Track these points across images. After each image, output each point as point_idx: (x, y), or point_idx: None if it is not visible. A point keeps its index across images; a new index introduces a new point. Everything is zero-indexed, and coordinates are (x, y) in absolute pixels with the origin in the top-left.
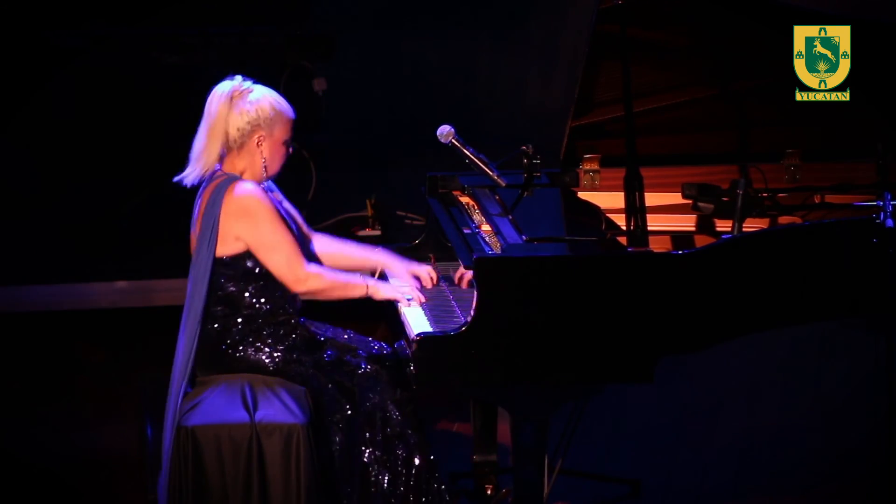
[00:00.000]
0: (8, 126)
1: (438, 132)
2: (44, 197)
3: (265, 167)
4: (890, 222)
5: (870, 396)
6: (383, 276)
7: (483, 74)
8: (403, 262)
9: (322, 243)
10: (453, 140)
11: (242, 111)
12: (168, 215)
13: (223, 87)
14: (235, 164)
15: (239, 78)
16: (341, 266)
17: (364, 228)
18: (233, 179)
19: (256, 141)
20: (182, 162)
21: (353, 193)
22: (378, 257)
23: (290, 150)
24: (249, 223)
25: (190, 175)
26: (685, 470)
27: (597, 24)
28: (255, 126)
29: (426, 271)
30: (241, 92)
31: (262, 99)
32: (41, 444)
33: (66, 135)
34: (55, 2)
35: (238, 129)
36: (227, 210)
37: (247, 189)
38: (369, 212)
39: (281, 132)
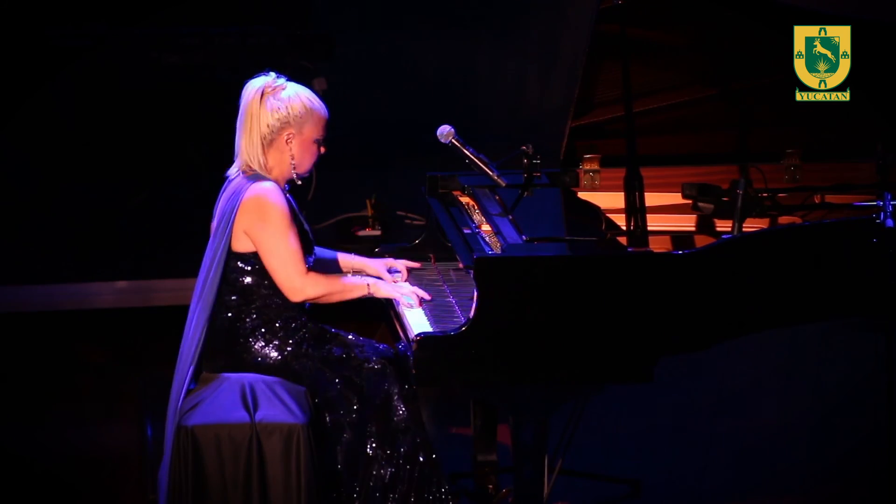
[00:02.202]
0: (8, 126)
1: (438, 132)
2: (44, 197)
3: (294, 165)
4: (890, 222)
5: (870, 396)
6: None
7: (483, 74)
8: (376, 261)
9: None
10: (453, 140)
11: (273, 108)
12: (168, 215)
13: (255, 83)
14: (268, 160)
15: (273, 75)
16: (322, 268)
17: (364, 228)
18: (256, 178)
19: (286, 138)
20: (182, 162)
21: (353, 193)
22: (354, 261)
23: (322, 149)
24: (258, 223)
25: (234, 171)
26: (685, 470)
27: (597, 24)
28: (284, 123)
29: (401, 263)
30: (274, 88)
31: (293, 96)
32: (41, 444)
33: (66, 134)
34: (56, 2)
35: (268, 126)
36: (244, 206)
37: (264, 189)
38: (369, 212)
39: (311, 130)
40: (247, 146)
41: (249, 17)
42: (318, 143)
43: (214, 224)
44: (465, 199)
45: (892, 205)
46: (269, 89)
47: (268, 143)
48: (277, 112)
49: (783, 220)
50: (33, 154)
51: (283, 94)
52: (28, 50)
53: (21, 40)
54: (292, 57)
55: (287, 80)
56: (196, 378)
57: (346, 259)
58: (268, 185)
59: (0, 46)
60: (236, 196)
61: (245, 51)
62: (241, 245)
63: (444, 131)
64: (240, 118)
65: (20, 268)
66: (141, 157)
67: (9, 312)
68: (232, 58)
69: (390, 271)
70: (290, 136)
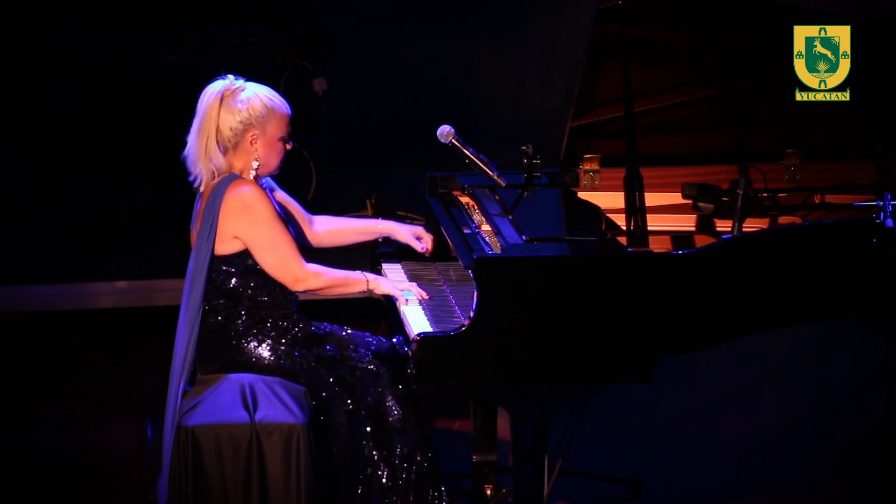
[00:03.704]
0: (8, 126)
1: (438, 132)
2: (44, 197)
3: (259, 166)
4: (890, 222)
5: (870, 396)
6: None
7: (483, 74)
8: (406, 226)
9: (323, 223)
10: (453, 140)
11: (234, 110)
12: (168, 215)
13: (214, 87)
14: (233, 163)
15: (231, 77)
16: (348, 239)
17: None
18: (232, 178)
19: (250, 140)
20: (182, 162)
21: (353, 193)
22: (382, 224)
23: (289, 145)
24: (247, 222)
25: (197, 176)
26: (685, 470)
27: (597, 24)
28: (247, 125)
29: (429, 238)
30: (233, 91)
31: (253, 97)
32: (41, 444)
33: (66, 135)
34: (55, 2)
35: (231, 129)
36: (227, 209)
37: (246, 188)
38: (369, 212)
39: (275, 129)
40: (203, 151)
41: (249, 17)
42: (284, 140)
43: (196, 230)
44: (465, 199)
45: (892, 205)
46: (229, 92)
47: (232, 146)
48: (239, 114)
49: (783, 220)
50: (33, 154)
51: (243, 96)
52: (28, 50)
53: (21, 41)
54: (292, 57)
55: (245, 80)
56: (191, 382)
57: (370, 224)
58: (248, 185)
59: (0, 47)
60: (216, 198)
61: (245, 51)
62: (224, 248)
63: (444, 131)
64: (197, 123)
65: (20, 268)
66: (141, 156)
67: (9, 312)
68: (232, 58)
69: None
70: (255, 136)
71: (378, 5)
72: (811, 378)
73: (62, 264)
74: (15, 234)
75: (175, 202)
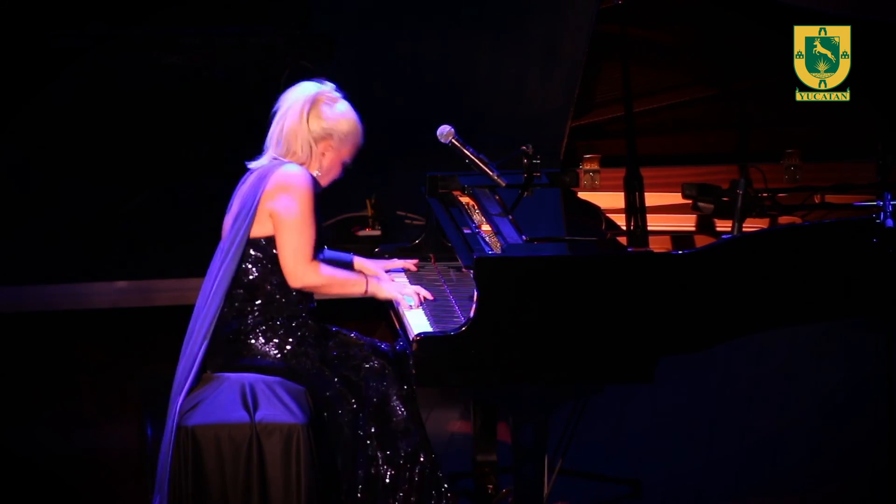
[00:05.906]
0: (8, 126)
1: (438, 132)
2: (44, 197)
3: (320, 176)
4: (890, 222)
5: (870, 396)
6: None
7: (483, 74)
8: (376, 263)
9: None
10: (453, 140)
11: (322, 117)
12: (167, 215)
13: (310, 87)
14: (298, 159)
15: (331, 85)
16: None
17: (364, 228)
18: (283, 163)
19: (322, 149)
20: (182, 162)
21: (353, 193)
22: (353, 262)
23: (343, 174)
24: (283, 198)
25: (261, 162)
26: (685, 470)
27: (597, 24)
28: (328, 135)
29: (400, 264)
30: (331, 99)
31: (346, 114)
32: (41, 444)
33: (66, 135)
34: (55, 2)
35: (311, 132)
36: (270, 188)
37: (295, 170)
38: (369, 212)
39: (347, 152)
40: (290, 144)
41: (249, 17)
42: (346, 165)
43: (235, 210)
44: (465, 199)
45: (892, 205)
46: (324, 98)
47: (305, 146)
48: (326, 122)
49: (783, 220)
50: (33, 154)
51: (339, 108)
52: (28, 50)
53: (21, 41)
54: (292, 57)
55: (343, 97)
56: (198, 377)
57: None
58: (298, 169)
59: (0, 47)
60: (262, 178)
61: (245, 51)
62: (258, 230)
63: (444, 131)
64: (280, 116)
65: (20, 268)
66: (141, 157)
67: (9, 312)
68: (232, 58)
69: (389, 272)
70: (328, 148)
71: (378, 5)
72: (811, 378)
73: (61, 264)
74: (15, 234)
75: (175, 202)
